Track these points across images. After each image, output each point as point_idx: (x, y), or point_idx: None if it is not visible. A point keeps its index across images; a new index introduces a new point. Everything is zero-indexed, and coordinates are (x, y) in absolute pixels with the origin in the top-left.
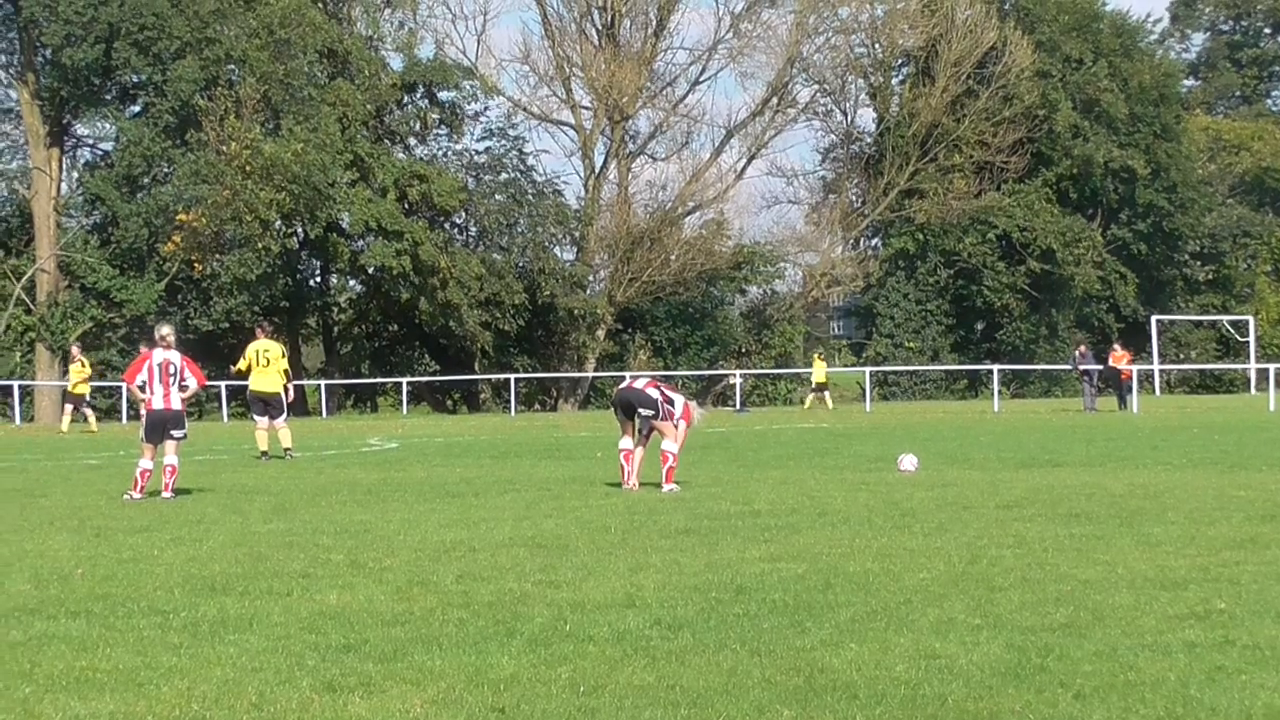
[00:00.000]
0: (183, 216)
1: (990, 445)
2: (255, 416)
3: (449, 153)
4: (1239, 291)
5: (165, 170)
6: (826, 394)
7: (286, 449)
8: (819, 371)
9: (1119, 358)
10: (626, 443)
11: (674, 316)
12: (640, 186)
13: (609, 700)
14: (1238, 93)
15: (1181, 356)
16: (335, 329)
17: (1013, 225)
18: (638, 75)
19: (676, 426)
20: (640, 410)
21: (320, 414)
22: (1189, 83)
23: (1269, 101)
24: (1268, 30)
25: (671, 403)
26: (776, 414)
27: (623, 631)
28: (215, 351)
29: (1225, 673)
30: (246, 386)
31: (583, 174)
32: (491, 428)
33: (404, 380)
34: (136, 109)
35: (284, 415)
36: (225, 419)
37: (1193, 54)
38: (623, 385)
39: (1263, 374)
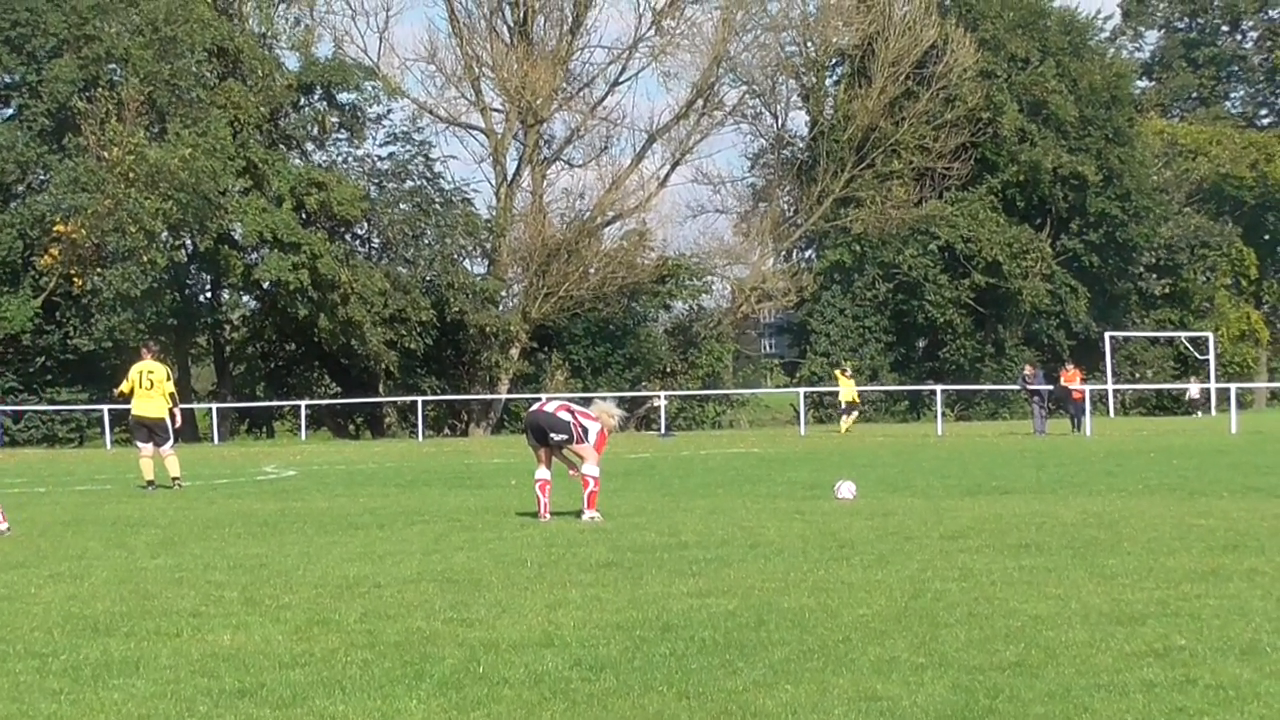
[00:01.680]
0: (60, 227)
1: (933, 471)
2: (139, 443)
3: (349, 159)
4: (1197, 306)
5: (41, 177)
6: (853, 415)
7: (174, 478)
8: (848, 390)
9: (1070, 377)
10: (543, 473)
11: (593, 334)
12: (556, 195)
13: None
14: (1194, 94)
15: (1137, 375)
16: (227, 348)
17: (956, 236)
18: (552, 75)
19: (596, 448)
20: (552, 435)
21: (212, 440)
22: (1142, 84)
23: (1227, 104)
24: (1225, 27)
25: (585, 430)
26: (704, 438)
27: (540, 673)
28: (97, 373)
29: (1186, 714)
30: (129, 412)
31: (494, 181)
32: (397, 454)
33: (302, 403)
34: (9, 111)
35: (170, 442)
36: (109, 446)
37: (1146, 53)
38: (533, 408)
39: (1223, 394)
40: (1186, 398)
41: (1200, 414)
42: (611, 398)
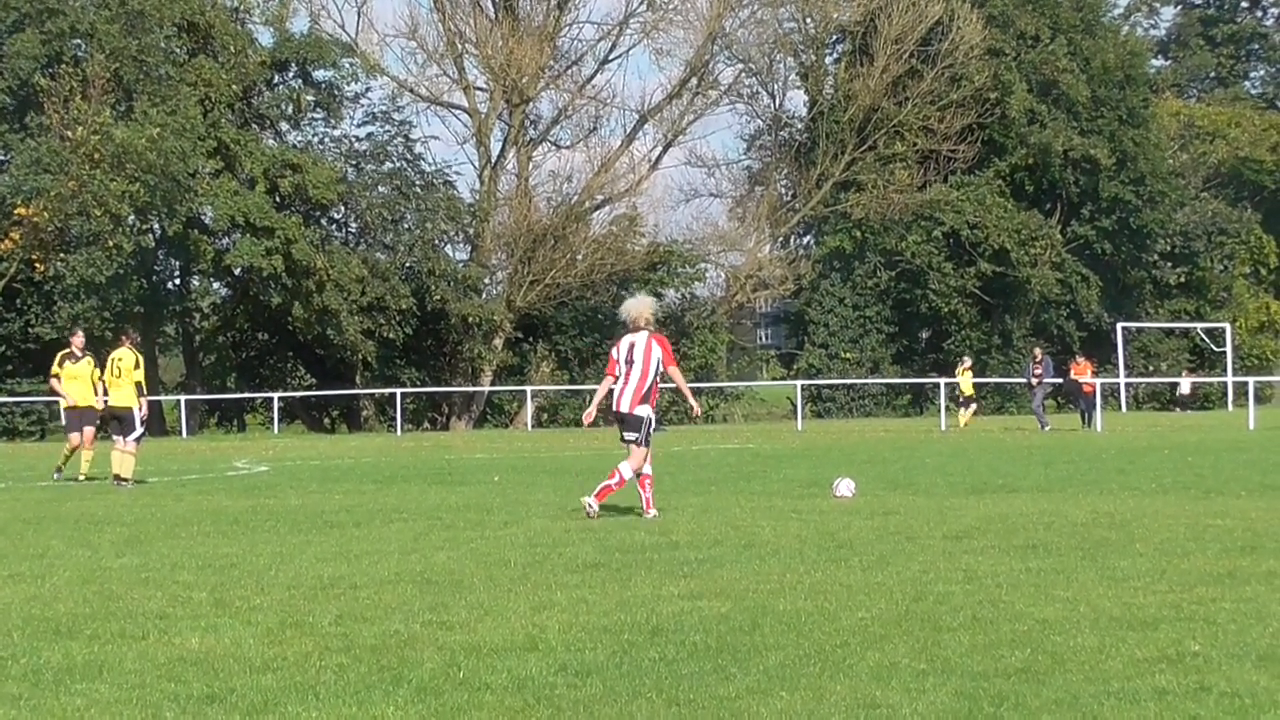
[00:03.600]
0: (22, 210)
1: (937, 468)
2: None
3: (326, 139)
4: (1214, 296)
5: (1, 158)
6: (971, 408)
7: (121, 477)
8: (966, 383)
9: (1081, 369)
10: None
11: (581, 324)
12: (542, 177)
13: None
14: (1212, 74)
15: (1151, 368)
16: (197, 337)
17: (961, 222)
18: (539, 52)
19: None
20: (626, 434)
21: (180, 433)
22: (1158, 63)
23: (1246, 84)
24: (1244, 4)
25: (650, 433)
26: (696, 433)
27: (524, 678)
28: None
29: None
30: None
31: (477, 163)
32: (375, 449)
33: (275, 395)
34: None
35: (134, 434)
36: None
37: (1162, 30)
38: (616, 400)
39: (1241, 388)
40: (1178, 394)
41: (1191, 411)
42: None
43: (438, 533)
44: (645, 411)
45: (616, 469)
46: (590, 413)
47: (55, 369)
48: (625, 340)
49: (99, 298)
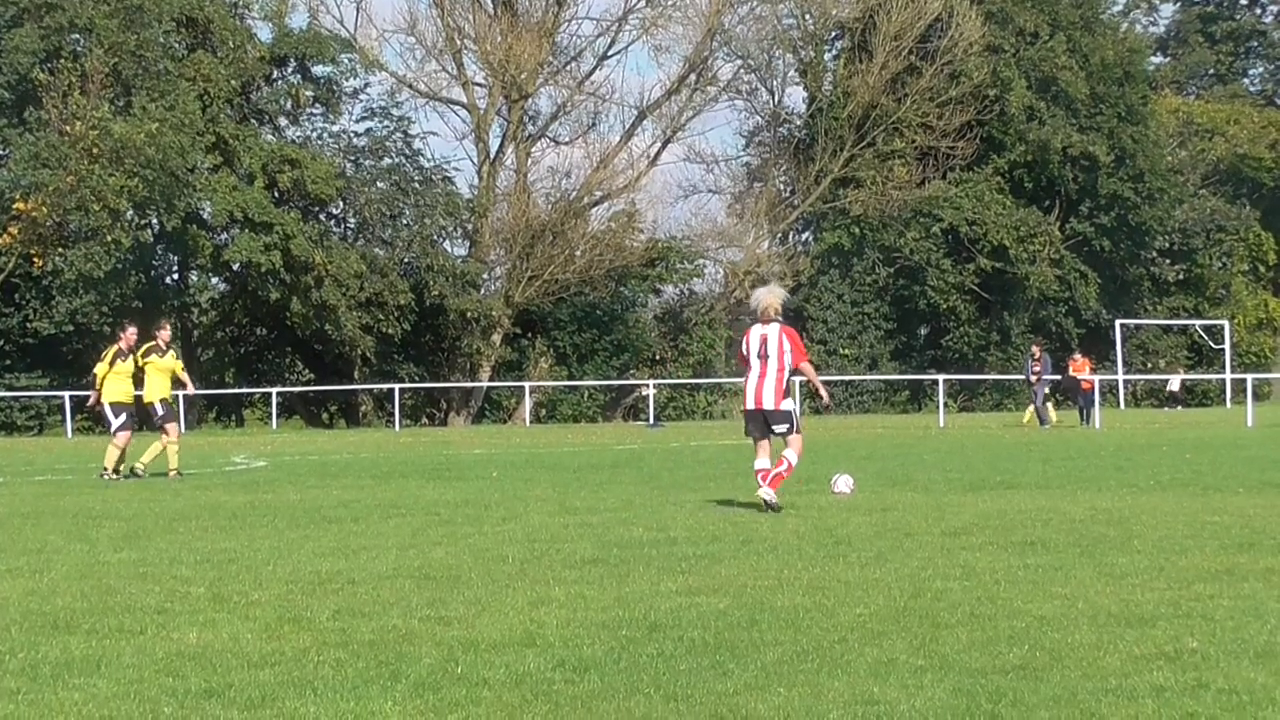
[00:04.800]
0: (20, 205)
1: (935, 464)
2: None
3: (324, 135)
4: (1213, 293)
5: (0, 153)
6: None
7: (110, 468)
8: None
9: (1079, 366)
10: (763, 462)
11: (579, 320)
12: (541, 173)
13: None
14: (1211, 71)
15: (1149, 365)
16: (195, 333)
17: (960, 218)
18: (538, 48)
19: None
20: (775, 428)
21: (179, 428)
22: (1157, 60)
23: (1245, 81)
24: (1243, 1)
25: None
26: (695, 429)
27: (521, 674)
28: (58, 358)
29: None
30: (89, 399)
31: (476, 159)
32: (373, 444)
33: (274, 390)
34: None
35: (115, 425)
36: (69, 434)
37: (1161, 28)
38: (750, 399)
39: (1239, 385)
40: (1167, 391)
41: (1180, 408)
42: (598, 388)
43: (436, 528)
44: (788, 404)
45: (783, 456)
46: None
47: (141, 359)
48: (756, 333)
49: (97, 293)
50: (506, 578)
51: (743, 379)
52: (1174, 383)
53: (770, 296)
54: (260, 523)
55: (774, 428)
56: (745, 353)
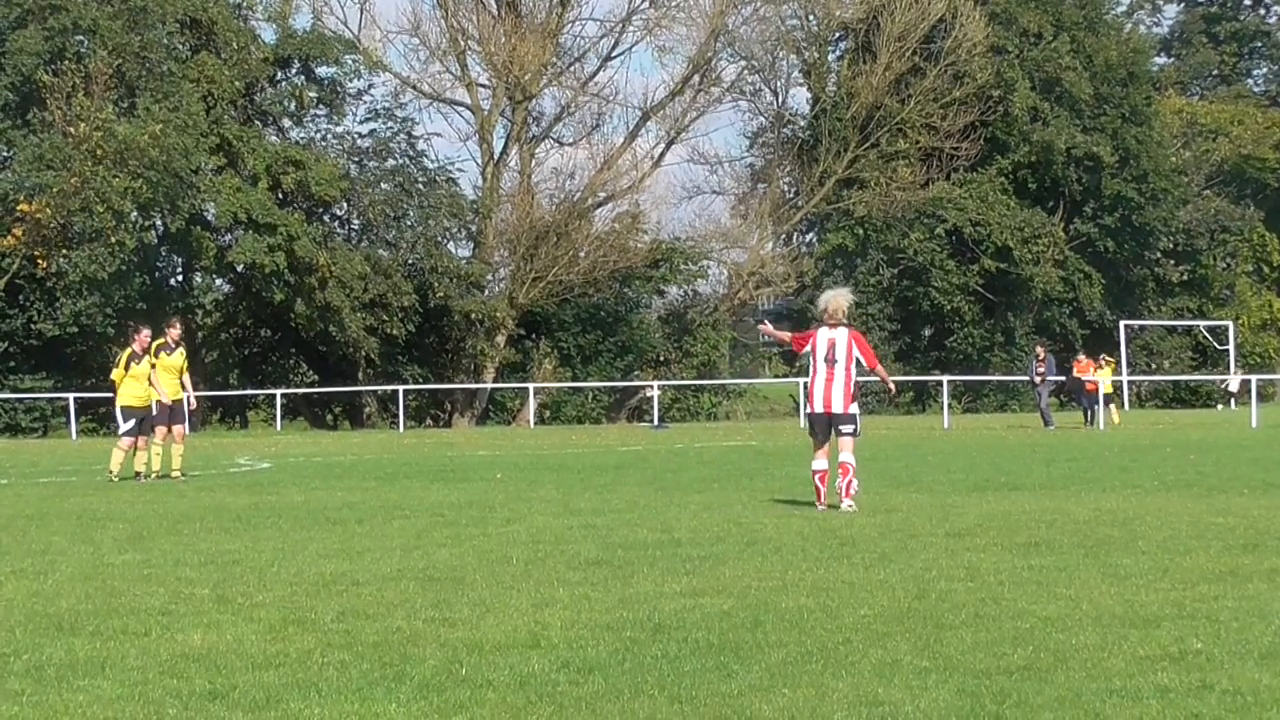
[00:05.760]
0: (24, 207)
1: (939, 465)
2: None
3: (328, 136)
4: (1217, 294)
5: (4, 154)
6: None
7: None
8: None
9: (1084, 367)
10: (820, 463)
11: (583, 321)
12: (545, 174)
13: None
14: (1215, 71)
15: (1153, 366)
16: (199, 334)
17: (964, 219)
18: (542, 49)
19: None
20: (842, 428)
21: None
22: (1161, 60)
23: (1249, 81)
24: (1247, 2)
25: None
26: (699, 430)
27: (526, 675)
28: (62, 360)
29: None
30: (94, 400)
31: (480, 160)
32: (377, 445)
33: (278, 392)
34: None
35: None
36: (74, 436)
37: (1165, 28)
38: (817, 401)
39: (1244, 386)
40: (1224, 387)
41: (1232, 406)
42: (602, 389)
43: (440, 530)
44: (854, 407)
45: (843, 462)
46: (767, 328)
47: (151, 359)
48: (824, 335)
49: (101, 294)
50: (511, 579)
51: (808, 380)
52: (1233, 383)
53: (839, 299)
54: (264, 524)
55: (840, 428)
56: (812, 353)
